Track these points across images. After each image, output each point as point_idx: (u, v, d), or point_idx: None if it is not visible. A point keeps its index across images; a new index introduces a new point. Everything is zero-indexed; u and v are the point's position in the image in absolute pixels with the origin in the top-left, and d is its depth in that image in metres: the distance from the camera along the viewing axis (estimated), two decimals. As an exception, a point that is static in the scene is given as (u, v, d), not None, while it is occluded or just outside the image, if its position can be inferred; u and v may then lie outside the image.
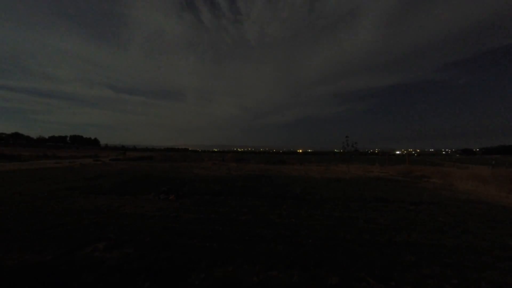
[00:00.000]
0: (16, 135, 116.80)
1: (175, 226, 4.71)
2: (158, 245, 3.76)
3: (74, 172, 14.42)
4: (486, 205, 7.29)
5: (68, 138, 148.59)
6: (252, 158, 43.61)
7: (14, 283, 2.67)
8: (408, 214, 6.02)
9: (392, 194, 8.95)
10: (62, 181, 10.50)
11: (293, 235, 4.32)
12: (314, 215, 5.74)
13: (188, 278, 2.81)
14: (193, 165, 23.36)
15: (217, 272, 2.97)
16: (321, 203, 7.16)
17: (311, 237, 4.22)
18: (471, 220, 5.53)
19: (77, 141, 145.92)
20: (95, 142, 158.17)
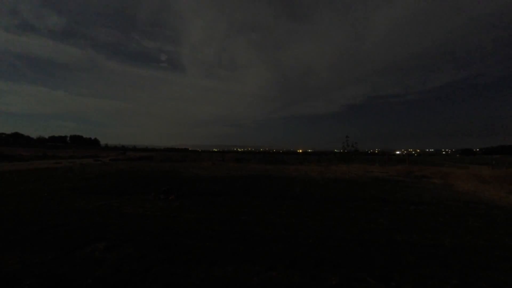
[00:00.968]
0: (16, 135, 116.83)
1: (175, 226, 4.71)
2: (158, 245, 3.76)
3: (74, 172, 14.41)
4: (486, 205, 7.29)
5: (68, 138, 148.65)
6: (252, 158, 43.60)
7: (15, 283, 2.66)
8: (408, 214, 6.02)
9: (392, 194, 8.95)
10: (62, 181, 10.50)
11: (293, 235, 4.32)
12: (314, 215, 5.74)
13: (188, 278, 2.81)
14: (193, 165, 23.36)
15: (217, 272, 2.96)
16: (321, 203, 7.16)
17: (311, 237, 4.22)
18: (471, 220, 5.53)
19: (77, 141, 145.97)
20: (95, 142, 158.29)
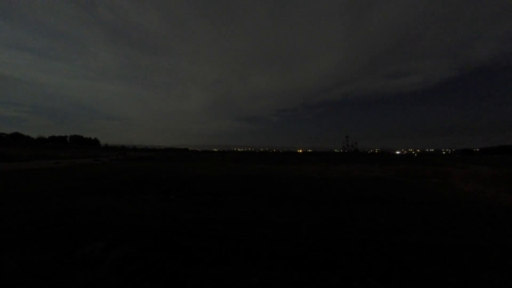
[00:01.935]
0: (16, 135, 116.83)
1: (175, 226, 4.70)
2: (158, 245, 3.75)
3: (74, 172, 14.41)
4: (486, 205, 7.29)
5: (68, 138, 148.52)
6: (252, 158, 43.60)
7: (14, 283, 2.66)
8: (408, 214, 6.02)
9: (392, 194, 8.95)
10: (62, 181, 10.49)
11: (293, 235, 4.32)
12: (314, 215, 5.73)
13: (188, 278, 2.81)
14: (193, 165, 23.36)
15: (217, 272, 2.96)
16: (321, 203, 7.16)
17: (311, 237, 4.22)
18: (471, 220, 5.53)
19: (77, 141, 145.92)
20: (95, 142, 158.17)
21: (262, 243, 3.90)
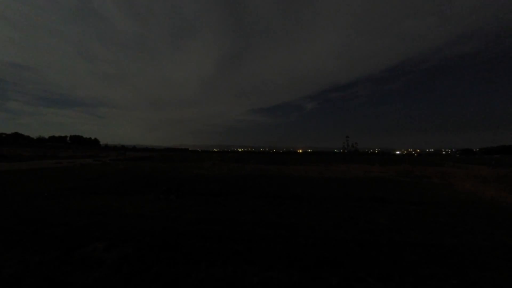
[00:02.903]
0: (16, 135, 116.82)
1: (175, 226, 4.70)
2: (158, 245, 3.75)
3: (74, 172, 14.41)
4: (486, 205, 7.29)
5: (68, 138, 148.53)
6: (252, 158, 43.61)
7: (14, 283, 2.66)
8: (408, 214, 6.02)
9: (392, 194, 8.95)
10: (62, 181, 10.50)
11: (293, 235, 4.32)
12: (314, 215, 5.73)
13: (188, 278, 2.81)
14: (193, 165, 23.36)
15: (217, 272, 2.96)
16: (321, 203, 7.16)
17: (311, 237, 4.22)
18: (471, 220, 5.53)
19: (77, 141, 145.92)
20: (95, 142, 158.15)
21: (262, 243, 3.90)
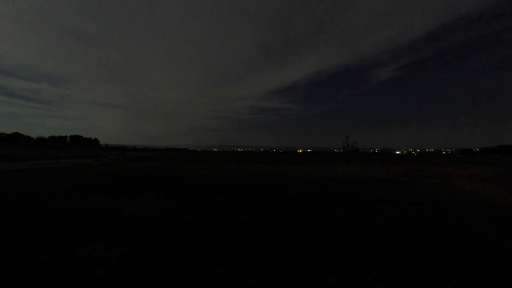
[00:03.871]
0: (16, 135, 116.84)
1: (175, 226, 4.70)
2: (158, 245, 3.75)
3: (74, 172, 14.41)
4: (486, 205, 7.29)
5: (68, 138, 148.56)
6: (252, 158, 43.63)
7: (14, 283, 2.66)
8: (408, 214, 6.02)
9: (392, 194, 8.95)
10: (62, 181, 10.49)
11: (293, 235, 4.32)
12: (314, 215, 5.73)
13: (188, 278, 2.81)
14: (193, 165, 23.36)
15: (217, 272, 2.96)
16: (321, 203, 7.16)
17: (311, 237, 4.22)
18: (471, 220, 5.53)
19: (77, 141, 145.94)
20: (95, 142, 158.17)
21: (262, 243, 3.90)
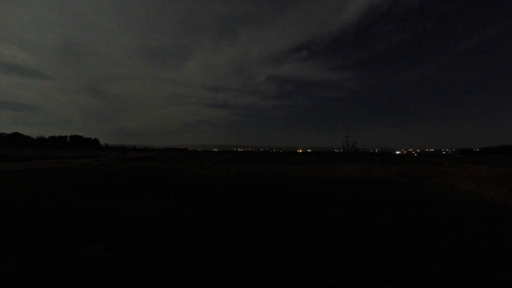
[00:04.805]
0: (16, 135, 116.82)
1: (175, 226, 4.70)
2: (158, 245, 3.75)
3: (74, 172, 14.42)
4: (486, 205, 7.30)
5: (68, 138, 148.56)
6: (252, 158, 43.64)
7: (14, 284, 2.66)
8: (408, 214, 6.02)
9: (392, 194, 8.95)
10: (62, 181, 10.50)
11: (293, 235, 4.32)
12: (314, 215, 5.74)
13: (188, 278, 2.81)
14: (193, 165, 23.36)
15: (217, 272, 2.96)
16: (321, 203, 7.17)
17: (311, 237, 4.22)
18: (471, 220, 5.53)
19: (77, 141, 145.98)
20: (95, 142, 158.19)
21: (262, 243, 3.90)
